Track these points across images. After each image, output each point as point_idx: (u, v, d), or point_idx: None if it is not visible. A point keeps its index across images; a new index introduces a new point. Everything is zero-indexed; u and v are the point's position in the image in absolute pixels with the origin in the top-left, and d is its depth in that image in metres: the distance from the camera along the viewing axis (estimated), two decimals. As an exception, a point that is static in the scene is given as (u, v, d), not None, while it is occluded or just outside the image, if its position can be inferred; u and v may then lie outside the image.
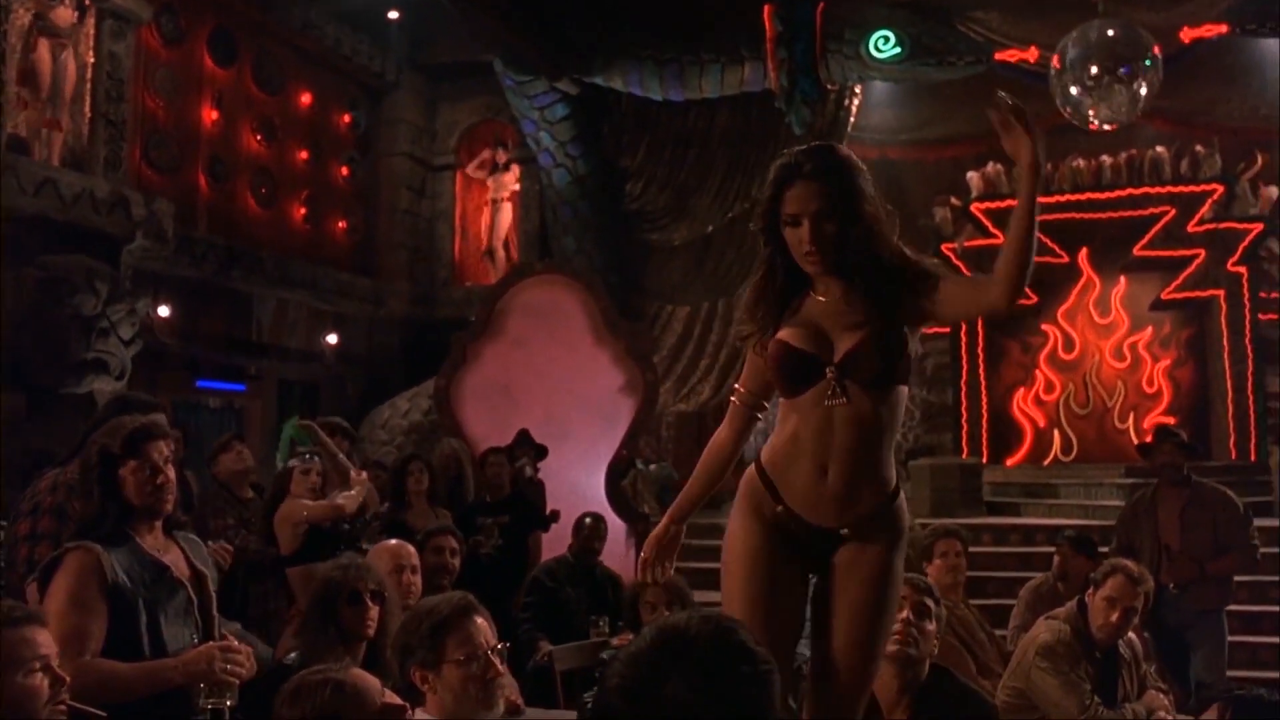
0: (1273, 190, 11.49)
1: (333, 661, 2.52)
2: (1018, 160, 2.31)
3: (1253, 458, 10.80)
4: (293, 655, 3.16)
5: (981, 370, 11.80)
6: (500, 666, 2.58)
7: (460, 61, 12.64)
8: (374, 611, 3.15)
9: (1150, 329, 11.75)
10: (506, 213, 13.35)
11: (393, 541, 3.97)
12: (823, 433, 2.35)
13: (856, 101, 12.05)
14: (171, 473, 2.91)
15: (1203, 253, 11.33)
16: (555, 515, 6.99)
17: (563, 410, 8.62)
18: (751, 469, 2.50)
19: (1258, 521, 5.92)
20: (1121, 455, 10.98)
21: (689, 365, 12.56)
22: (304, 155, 11.81)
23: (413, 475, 6.00)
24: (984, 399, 11.76)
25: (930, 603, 3.20)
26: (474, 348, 9.07)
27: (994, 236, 11.60)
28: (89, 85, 8.31)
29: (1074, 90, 9.47)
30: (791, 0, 10.73)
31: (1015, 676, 3.91)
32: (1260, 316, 11.29)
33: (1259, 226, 11.36)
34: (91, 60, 8.34)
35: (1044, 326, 11.83)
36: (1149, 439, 6.47)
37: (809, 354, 2.37)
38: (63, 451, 3.69)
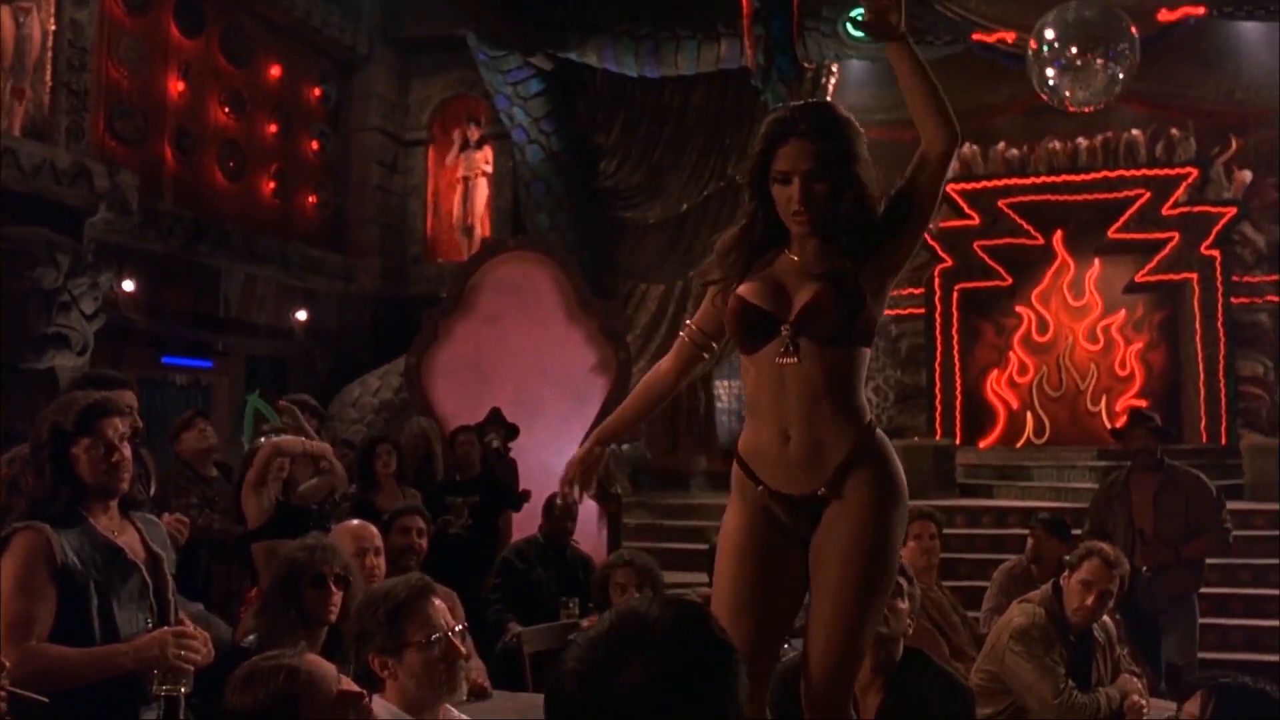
0: (1247, 174, 11.52)
1: (292, 646, 2.44)
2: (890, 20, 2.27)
3: (1223, 441, 10.86)
4: (251, 638, 3.07)
5: (955, 352, 11.80)
6: (463, 648, 2.51)
7: (433, 35, 12.47)
8: (337, 596, 3.06)
9: (1123, 312, 11.79)
10: (482, 189, 13.21)
11: (354, 522, 3.85)
12: (778, 394, 2.30)
13: (833, 80, 11.98)
14: (127, 451, 2.82)
15: (1176, 236, 11.36)
16: (526, 495, 6.91)
17: (534, 388, 8.54)
18: (734, 460, 2.45)
19: (1228, 505, 5.93)
20: (1094, 438, 11.03)
21: (663, 344, 12.47)
22: (273, 129, 11.62)
23: (380, 458, 5.90)
24: (957, 380, 11.77)
25: (902, 581, 3.15)
26: (445, 325, 8.97)
27: (970, 218, 11.59)
28: (50, 54, 8.11)
29: (1051, 72, 9.42)
30: (769, -24, 10.63)
31: (989, 660, 3.88)
32: (1233, 300, 11.34)
33: (1233, 210, 11.39)
34: (53, 28, 8.13)
35: (1018, 308, 11.84)
36: (1121, 422, 6.48)
37: (764, 310, 2.31)
38: (24, 428, 3.58)
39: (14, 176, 7.53)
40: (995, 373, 11.95)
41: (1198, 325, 11.34)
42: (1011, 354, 11.93)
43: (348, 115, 12.82)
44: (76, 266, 7.69)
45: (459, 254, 12.70)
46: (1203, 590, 5.88)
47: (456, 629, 2.50)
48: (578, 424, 8.64)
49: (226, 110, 10.93)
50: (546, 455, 8.26)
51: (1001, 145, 11.90)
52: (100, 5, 8.79)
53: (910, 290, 11.69)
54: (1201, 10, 10.13)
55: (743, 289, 2.35)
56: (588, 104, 12.52)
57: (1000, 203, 11.55)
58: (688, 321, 2.55)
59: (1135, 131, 11.60)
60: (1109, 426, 9.66)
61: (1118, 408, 11.24)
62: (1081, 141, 11.62)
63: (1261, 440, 10.09)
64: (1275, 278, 11.49)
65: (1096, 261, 11.69)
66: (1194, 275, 11.38)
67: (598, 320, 8.86)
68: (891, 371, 12.77)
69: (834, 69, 11.88)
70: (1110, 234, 11.50)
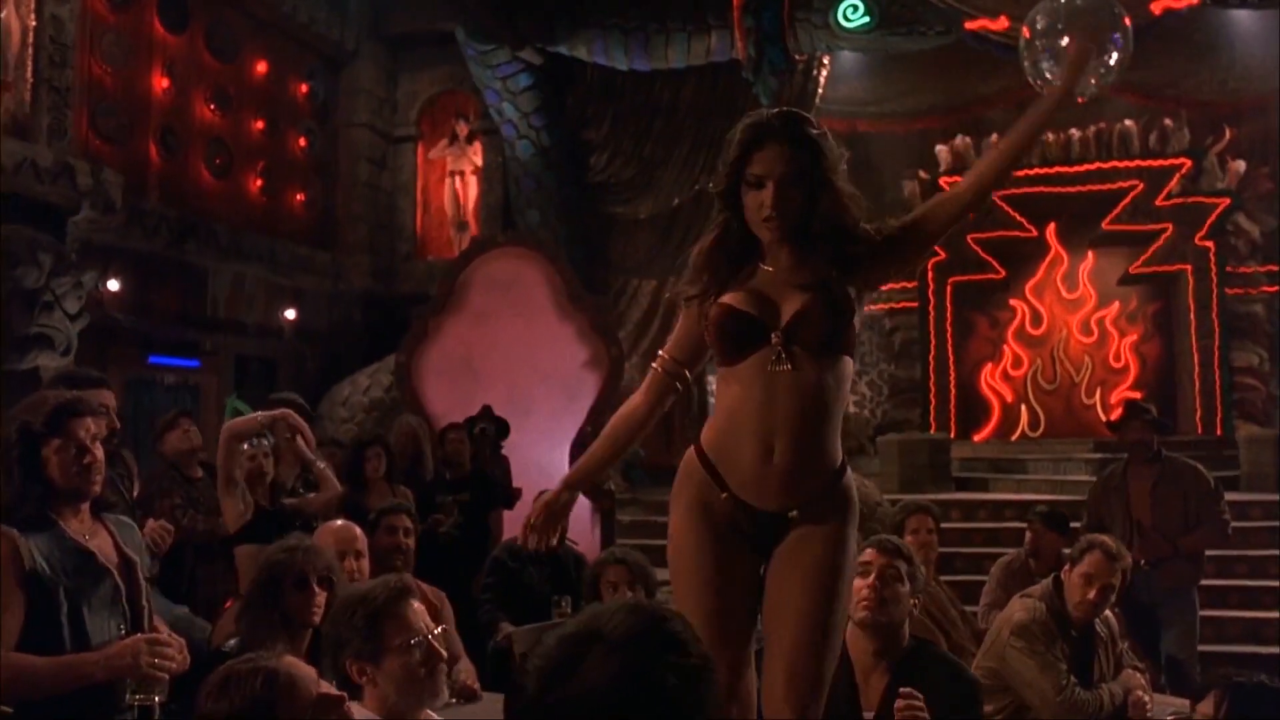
0: (1240, 164, 11.48)
1: (273, 649, 2.35)
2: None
3: (1219, 432, 10.83)
4: (232, 642, 2.99)
5: (949, 345, 11.75)
6: (444, 651, 2.42)
7: (421, 31, 12.37)
8: (321, 597, 2.97)
9: (1117, 304, 11.74)
10: (472, 186, 13.11)
11: (338, 523, 3.74)
12: (766, 405, 2.24)
13: (825, 72, 11.88)
14: (100, 452, 2.73)
15: (1170, 227, 11.32)
16: (518, 493, 6.83)
17: (526, 385, 8.47)
18: (691, 453, 2.38)
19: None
20: (1089, 430, 10.98)
21: (655, 340, 12.39)
22: (260, 125, 11.50)
23: (370, 461, 5.78)
24: (952, 374, 11.72)
25: (902, 565, 3.08)
26: (435, 322, 8.90)
27: (962, 210, 11.51)
28: (30, 50, 7.99)
29: (1044, 61, 9.35)
30: (759, -32, 10.55)
31: (989, 656, 3.80)
32: (1227, 291, 11.30)
33: (1226, 201, 11.35)
34: (33, 24, 8.02)
35: (1012, 302, 11.79)
36: (1116, 414, 6.40)
37: (754, 317, 2.25)
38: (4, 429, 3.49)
39: (-6, 174, 7.42)
40: (989, 366, 11.90)
41: (1192, 316, 11.31)
42: (1006, 347, 11.88)
43: (335, 112, 12.71)
44: (59, 266, 7.58)
45: (449, 251, 12.61)
46: (1200, 582, 5.82)
47: (437, 631, 2.41)
48: (570, 420, 8.58)
49: (212, 107, 10.81)
50: (539, 452, 8.21)
51: (994, 137, 11.81)
52: (81, 1, 8.67)
53: (903, 284, 11.63)
54: (1195, -1, 10.06)
55: (727, 298, 2.30)
56: (578, 99, 12.43)
57: (993, 195, 11.47)
58: (660, 352, 2.47)
59: (1128, 122, 11.55)
60: (1104, 419, 9.61)
61: (1112, 400, 11.19)
62: (1075, 133, 11.57)
63: (1258, 431, 10.05)
64: (1269, 268, 11.45)
65: (1090, 253, 11.65)
66: (1188, 266, 11.33)
67: (589, 316, 8.79)
68: (885, 365, 12.72)
69: (825, 61, 11.79)
70: (1104, 226, 11.45)
